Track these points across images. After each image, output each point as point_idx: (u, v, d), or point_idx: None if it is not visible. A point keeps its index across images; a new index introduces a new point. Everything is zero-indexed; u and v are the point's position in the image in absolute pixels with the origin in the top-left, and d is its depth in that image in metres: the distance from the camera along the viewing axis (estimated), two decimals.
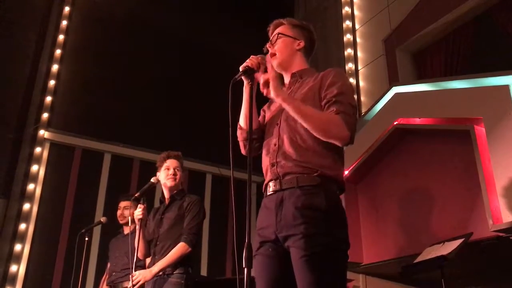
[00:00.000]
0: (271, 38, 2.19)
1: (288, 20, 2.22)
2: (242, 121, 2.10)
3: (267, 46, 2.17)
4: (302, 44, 2.16)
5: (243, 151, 2.14)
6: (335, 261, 1.79)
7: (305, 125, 1.88)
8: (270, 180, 1.97)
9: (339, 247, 1.81)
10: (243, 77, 1.98)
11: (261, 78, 1.98)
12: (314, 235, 1.76)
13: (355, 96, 5.80)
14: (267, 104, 2.26)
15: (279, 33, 2.16)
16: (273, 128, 2.06)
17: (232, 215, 6.38)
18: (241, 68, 1.96)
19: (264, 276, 1.88)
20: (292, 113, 1.90)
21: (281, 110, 2.05)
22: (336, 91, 1.93)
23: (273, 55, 2.13)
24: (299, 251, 1.76)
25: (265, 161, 2.04)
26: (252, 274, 1.72)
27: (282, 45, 2.14)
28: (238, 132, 2.13)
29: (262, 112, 2.25)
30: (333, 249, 1.78)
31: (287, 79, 2.18)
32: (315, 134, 1.88)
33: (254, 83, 1.99)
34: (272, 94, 1.92)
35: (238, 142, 2.14)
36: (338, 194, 1.95)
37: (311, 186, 1.85)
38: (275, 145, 1.99)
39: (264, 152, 2.08)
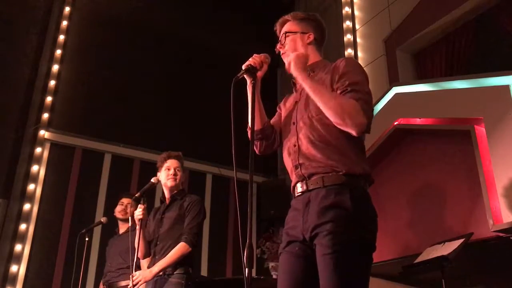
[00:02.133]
0: (280, 38, 2.16)
1: (293, 15, 2.18)
2: (250, 121, 2.10)
3: (278, 47, 2.15)
4: (312, 36, 2.13)
5: (256, 151, 2.13)
6: (355, 261, 1.75)
7: (322, 107, 1.84)
8: (297, 182, 1.94)
9: (360, 247, 1.77)
10: (245, 76, 1.95)
11: (289, 56, 1.99)
12: (337, 234, 1.73)
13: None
14: (282, 101, 2.23)
15: (286, 32, 2.13)
16: (290, 126, 2.04)
17: (233, 215, 6.39)
18: (243, 67, 1.95)
19: (288, 274, 1.86)
20: (310, 94, 1.88)
21: (296, 107, 2.04)
22: (348, 81, 1.88)
23: (284, 54, 2.12)
24: (322, 249, 1.75)
25: (288, 163, 2.02)
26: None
27: (292, 43, 2.11)
28: (249, 133, 2.11)
29: (278, 110, 2.22)
30: (354, 249, 1.74)
31: None
32: (331, 118, 1.82)
33: (256, 81, 1.96)
34: (292, 72, 1.92)
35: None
36: (367, 189, 1.90)
37: (337, 185, 1.82)
38: (294, 145, 1.97)
39: (285, 153, 2.05)
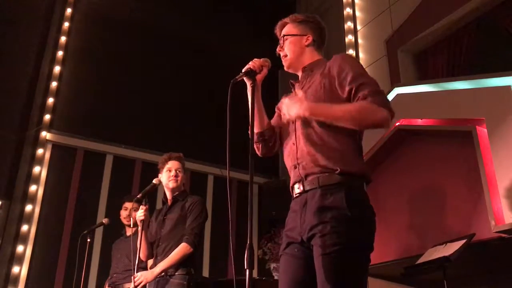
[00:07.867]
0: (279, 41, 2.19)
1: (292, 18, 2.20)
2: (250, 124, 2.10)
3: (278, 50, 2.18)
4: (310, 38, 2.14)
5: (258, 153, 2.15)
6: (352, 261, 1.75)
7: (346, 126, 1.85)
8: (295, 183, 1.97)
9: (357, 247, 1.77)
10: (245, 79, 1.97)
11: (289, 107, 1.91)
12: (333, 235, 1.74)
13: None
14: (280, 101, 2.25)
15: (284, 35, 2.16)
16: (290, 126, 2.05)
17: (235, 216, 6.38)
18: (243, 70, 1.97)
19: (287, 275, 1.88)
20: (332, 122, 1.87)
21: None
22: (349, 78, 1.91)
23: (284, 57, 2.14)
24: (318, 250, 1.76)
25: (287, 163, 2.04)
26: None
27: (290, 45, 2.13)
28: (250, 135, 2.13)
29: (276, 110, 2.23)
30: (351, 249, 1.75)
31: (300, 74, 2.17)
32: (356, 128, 1.87)
33: (256, 85, 1.98)
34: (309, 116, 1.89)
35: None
36: (363, 189, 1.91)
37: (331, 185, 1.83)
38: (293, 144, 1.99)
39: (285, 153, 2.07)
